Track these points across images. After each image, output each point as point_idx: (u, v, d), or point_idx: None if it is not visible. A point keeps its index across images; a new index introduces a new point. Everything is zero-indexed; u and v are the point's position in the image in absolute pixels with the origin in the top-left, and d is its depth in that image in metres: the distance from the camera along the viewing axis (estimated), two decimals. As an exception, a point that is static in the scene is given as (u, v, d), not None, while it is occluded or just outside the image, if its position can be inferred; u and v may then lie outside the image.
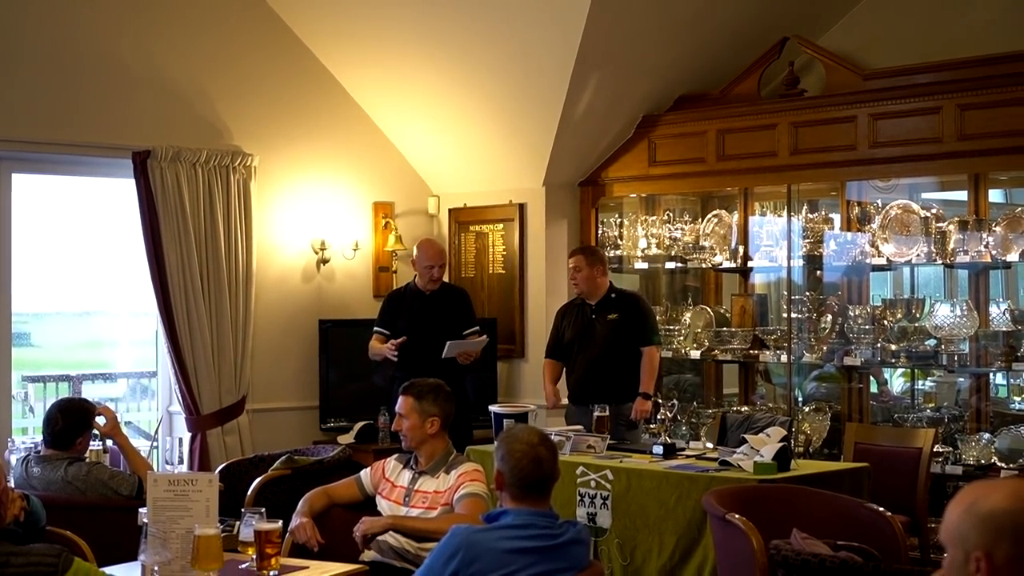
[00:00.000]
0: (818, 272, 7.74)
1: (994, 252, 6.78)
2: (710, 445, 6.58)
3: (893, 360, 7.20)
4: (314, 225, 8.40)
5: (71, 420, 5.59)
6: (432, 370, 7.08)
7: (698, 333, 8.16)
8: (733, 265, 8.02)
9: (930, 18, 7.73)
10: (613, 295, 7.29)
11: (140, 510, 4.27)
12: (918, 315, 7.14)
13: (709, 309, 8.25)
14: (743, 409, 7.70)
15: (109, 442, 5.99)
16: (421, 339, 7.34)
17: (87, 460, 5.69)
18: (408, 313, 7.50)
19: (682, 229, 8.31)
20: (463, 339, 7.41)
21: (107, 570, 4.01)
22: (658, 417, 6.47)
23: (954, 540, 2.48)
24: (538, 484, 3.88)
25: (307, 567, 4.32)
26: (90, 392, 8.23)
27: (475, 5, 7.45)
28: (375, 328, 7.56)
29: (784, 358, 7.59)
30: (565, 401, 7.42)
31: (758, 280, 8.22)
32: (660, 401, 6.75)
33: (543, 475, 3.89)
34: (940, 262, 7.08)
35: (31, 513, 4.37)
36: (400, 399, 5.02)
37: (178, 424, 7.88)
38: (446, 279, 7.83)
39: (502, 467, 3.89)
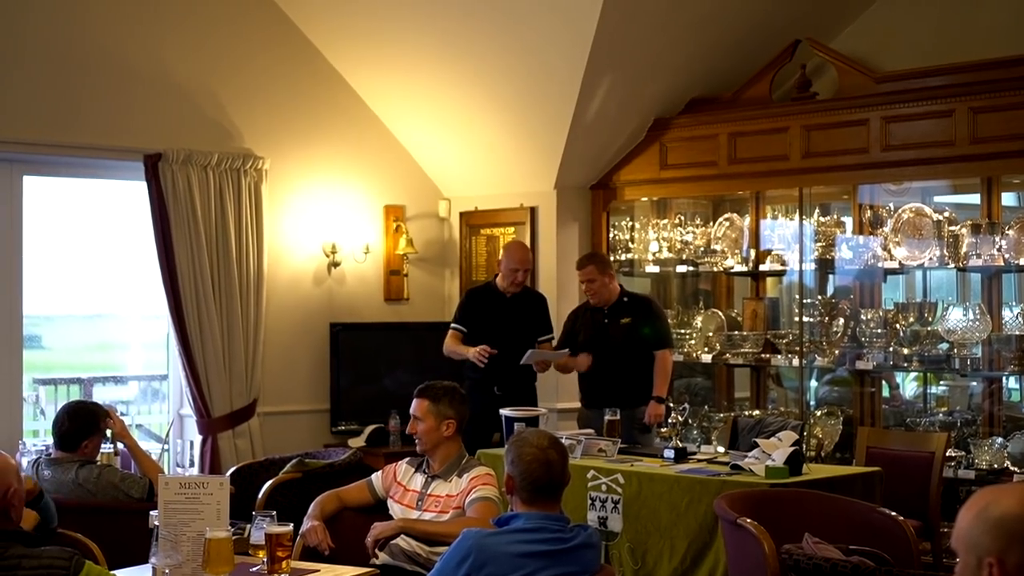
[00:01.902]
0: (830, 275, 7.72)
1: (1007, 255, 6.75)
2: (721, 449, 6.58)
3: (905, 364, 7.18)
4: (325, 228, 8.41)
5: (77, 423, 5.60)
6: (504, 371, 7.12)
7: (709, 337, 8.14)
8: (745, 269, 8.01)
9: (943, 21, 7.71)
10: (625, 299, 7.29)
11: (151, 513, 4.27)
12: (930, 319, 7.12)
13: (720, 313, 8.23)
14: (755, 413, 7.68)
15: (120, 445, 5.99)
16: (497, 340, 7.31)
17: (98, 463, 5.70)
18: (487, 313, 7.48)
19: (693, 232, 8.30)
20: (537, 345, 7.40)
21: (118, 573, 4.02)
22: (669, 421, 6.46)
23: (966, 546, 2.46)
24: (548, 488, 3.88)
25: (318, 570, 4.32)
26: (101, 395, 8.23)
27: (486, 8, 7.45)
28: (452, 324, 7.52)
29: (796, 362, 7.58)
30: (576, 404, 7.43)
31: (770, 283, 8.20)
32: (672, 405, 6.74)
33: (553, 478, 3.89)
34: (953, 266, 7.06)
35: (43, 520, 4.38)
36: (415, 401, 5.01)
37: (189, 427, 7.89)
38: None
39: (512, 471, 3.90)
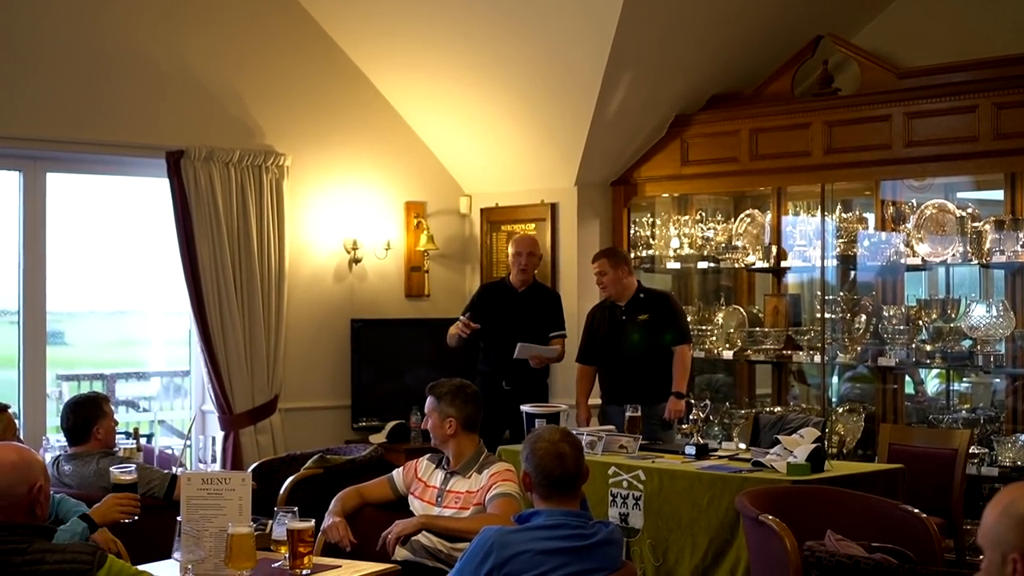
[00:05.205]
0: (852, 272, 7.69)
1: (1030, 252, 6.72)
2: (743, 446, 6.56)
3: (928, 361, 7.15)
4: (346, 225, 8.42)
5: (82, 412, 5.61)
6: (513, 366, 7.17)
7: (731, 333, 8.13)
8: (766, 265, 7.98)
9: (965, 16, 7.67)
10: (642, 295, 7.29)
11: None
12: (953, 315, 7.09)
13: (742, 309, 8.22)
14: (776, 410, 7.66)
15: (143, 440, 6.01)
16: (508, 335, 7.36)
17: (119, 454, 5.72)
18: (499, 307, 7.55)
19: (715, 229, 8.28)
20: (549, 341, 7.49)
21: (141, 568, 4.03)
22: (691, 417, 6.46)
23: (991, 542, 2.46)
24: (562, 481, 3.88)
25: (339, 566, 4.33)
26: (123, 391, 8.27)
27: (507, 6, 7.44)
28: (460, 317, 7.59)
29: (817, 358, 7.55)
30: (597, 401, 7.42)
31: (791, 280, 8.17)
32: (693, 401, 6.73)
33: (566, 472, 3.88)
34: (976, 262, 7.02)
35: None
36: (427, 397, 5.03)
37: (211, 423, 7.91)
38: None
39: (528, 467, 3.91)
